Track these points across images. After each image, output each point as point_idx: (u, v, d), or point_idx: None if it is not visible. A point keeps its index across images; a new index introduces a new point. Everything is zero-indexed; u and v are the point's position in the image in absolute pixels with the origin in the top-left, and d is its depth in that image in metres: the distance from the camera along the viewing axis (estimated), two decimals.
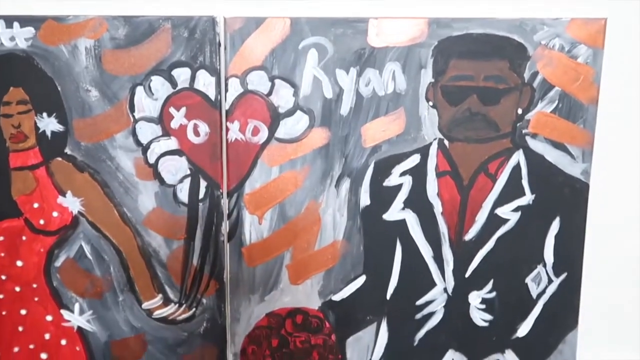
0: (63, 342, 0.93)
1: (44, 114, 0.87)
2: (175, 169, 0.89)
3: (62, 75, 0.86)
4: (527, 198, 0.90)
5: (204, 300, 0.92)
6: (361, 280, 0.92)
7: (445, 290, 0.93)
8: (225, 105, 0.88)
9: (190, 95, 0.87)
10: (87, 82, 0.87)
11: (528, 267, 0.92)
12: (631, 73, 0.94)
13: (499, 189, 0.90)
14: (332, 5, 0.90)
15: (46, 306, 0.92)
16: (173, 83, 0.87)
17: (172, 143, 0.88)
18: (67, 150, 0.88)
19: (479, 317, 0.93)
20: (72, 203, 0.90)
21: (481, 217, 0.91)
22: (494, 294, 0.93)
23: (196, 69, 0.86)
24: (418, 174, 0.90)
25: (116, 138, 0.88)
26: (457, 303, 0.93)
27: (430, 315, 0.93)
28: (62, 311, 0.92)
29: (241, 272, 0.92)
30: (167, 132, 0.88)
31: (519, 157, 0.90)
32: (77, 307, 0.92)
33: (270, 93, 0.87)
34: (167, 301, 0.92)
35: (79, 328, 0.93)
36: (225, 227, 0.91)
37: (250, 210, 0.90)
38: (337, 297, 0.93)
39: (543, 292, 0.93)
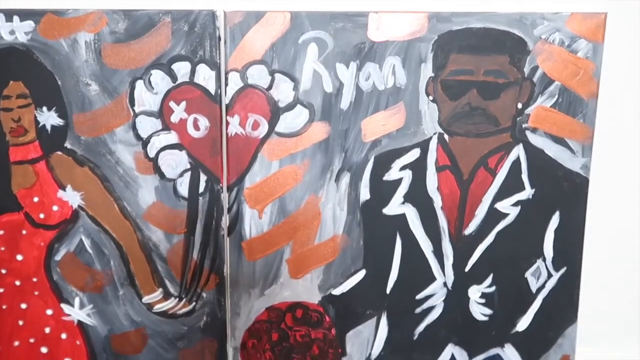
0: (63, 336, 0.93)
1: (44, 108, 0.87)
2: (175, 163, 0.89)
3: (62, 69, 0.86)
4: (527, 192, 0.90)
5: (204, 295, 0.92)
6: (361, 274, 0.93)
7: (445, 284, 0.93)
8: (225, 100, 0.88)
9: (190, 89, 0.87)
10: (87, 76, 0.86)
11: (527, 261, 0.92)
12: (631, 67, 0.94)
13: (498, 183, 0.90)
14: None
15: (46, 300, 0.92)
16: (173, 77, 0.87)
17: (172, 137, 0.88)
18: (67, 145, 0.88)
19: (479, 312, 0.93)
20: (72, 197, 0.90)
21: (481, 212, 0.91)
22: (493, 288, 0.93)
23: (196, 63, 0.86)
24: (418, 168, 0.90)
25: (116, 132, 0.88)
26: (456, 297, 0.93)
27: (430, 309, 0.93)
28: (63, 305, 0.92)
29: (241, 266, 0.92)
30: (167, 126, 0.88)
31: (518, 151, 0.90)
32: (77, 301, 0.92)
33: (270, 87, 0.87)
34: (167, 295, 0.92)
35: (79, 322, 0.93)
36: (225, 221, 0.91)
37: (250, 204, 0.90)
38: (337, 291, 0.93)
39: (542, 286, 0.93)
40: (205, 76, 0.87)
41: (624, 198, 0.98)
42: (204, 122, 0.88)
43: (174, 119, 0.88)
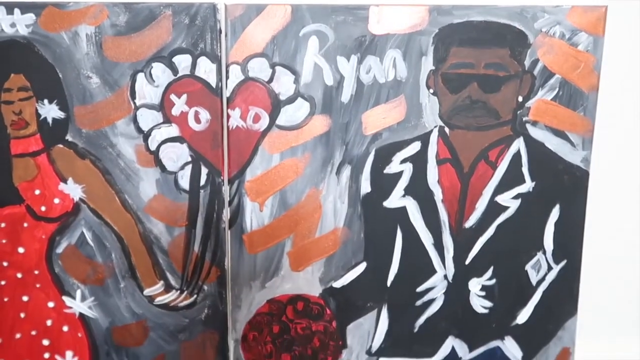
0: (65, 328, 0.93)
1: (45, 101, 0.87)
2: (176, 156, 0.89)
3: (63, 62, 0.86)
4: (527, 185, 0.91)
5: (205, 287, 0.92)
6: (362, 267, 0.93)
7: (445, 277, 0.93)
8: (226, 93, 0.88)
9: (191, 82, 0.87)
10: (88, 69, 0.87)
11: (528, 254, 0.92)
12: (632, 60, 0.94)
13: (499, 176, 0.90)
14: None
15: (48, 293, 0.92)
16: (174, 70, 0.87)
17: (173, 130, 0.89)
18: (68, 137, 0.88)
19: (479, 304, 0.94)
20: (73, 190, 0.90)
21: (481, 205, 0.91)
22: (493, 281, 0.93)
23: (197, 55, 0.86)
24: (418, 161, 0.90)
25: (117, 125, 0.88)
26: (457, 290, 0.93)
27: (431, 302, 0.94)
28: (64, 298, 0.93)
29: (242, 259, 0.92)
30: (168, 119, 0.88)
31: (519, 144, 0.90)
32: (78, 293, 0.93)
33: (271, 80, 0.87)
34: (168, 288, 0.92)
35: (81, 314, 0.93)
36: (226, 214, 0.91)
37: (251, 197, 0.90)
38: (337, 284, 0.93)
39: (543, 279, 0.93)
40: (206, 69, 0.87)
41: (624, 191, 0.98)
42: (204, 115, 0.88)
43: (175, 111, 0.88)
